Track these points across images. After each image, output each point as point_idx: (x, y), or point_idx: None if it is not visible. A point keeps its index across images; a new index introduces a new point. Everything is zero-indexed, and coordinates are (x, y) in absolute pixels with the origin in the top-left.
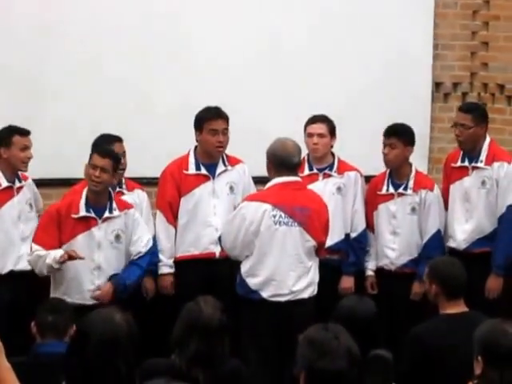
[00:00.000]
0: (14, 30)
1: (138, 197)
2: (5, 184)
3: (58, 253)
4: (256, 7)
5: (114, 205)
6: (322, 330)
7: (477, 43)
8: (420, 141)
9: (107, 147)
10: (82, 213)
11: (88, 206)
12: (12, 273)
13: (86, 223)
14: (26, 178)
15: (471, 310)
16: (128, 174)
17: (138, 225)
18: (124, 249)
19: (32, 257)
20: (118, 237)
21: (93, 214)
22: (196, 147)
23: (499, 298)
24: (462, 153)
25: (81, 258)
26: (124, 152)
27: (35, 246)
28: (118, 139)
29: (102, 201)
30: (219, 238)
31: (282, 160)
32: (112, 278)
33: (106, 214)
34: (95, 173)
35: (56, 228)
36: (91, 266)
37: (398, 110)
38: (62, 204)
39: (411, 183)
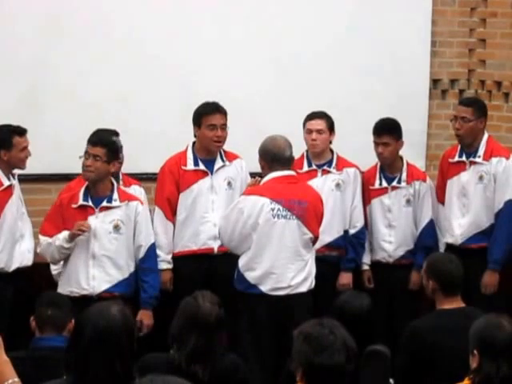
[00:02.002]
0: (16, 24)
1: (134, 192)
2: (6, 183)
3: (65, 233)
4: (258, 6)
5: (116, 196)
6: (317, 326)
7: (474, 40)
8: (417, 137)
9: (102, 137)
10: (80, 202)
11: (86, 196)
12: (17, 270)
13: (84, 212)
14: (14, 176)
15: (468, 305)
16: (128, 169)
17: (143, 219)
18: (125, 240)
19: (42, 247)
20: (117, 227)
21: (90, 203)
22: (194, 143)
23: (496, 293)
24: (459, 148)
25: (86, 229)
26: (121, 146)
27: (43, 237)
28: (115, 133)
29: (103, 191)
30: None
31: (274, 155)
32: (144, 301)
33: (104, 204)
34: (87, 162)
35: (60, 218)
36: (86, 255)
37: (395, 106)
38: (65, 195)
39: (404, 176)
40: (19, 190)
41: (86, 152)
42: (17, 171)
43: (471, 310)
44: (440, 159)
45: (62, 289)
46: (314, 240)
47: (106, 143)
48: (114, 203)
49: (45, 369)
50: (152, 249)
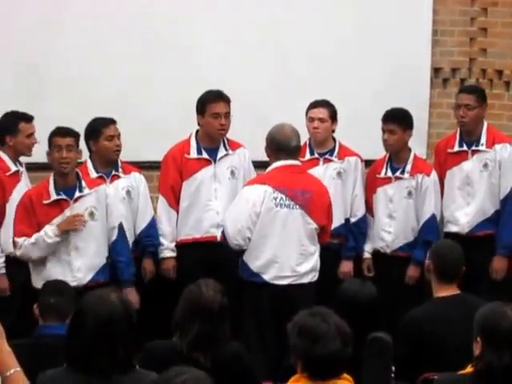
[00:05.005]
0: (16, 17)
1: (134, 180)
2: (14, 169)
3: (50, 229)
4: None
5: (84, 183)
6: (309, 316)
7: (475, 29)
8: (418, 126)
9: (64, 127)
10: (53, 197)
11: (57, 190)
12: None
13: (58, 206)
14: (22, 164)
15: (476, 293)
16: (129, 157)
17: (112, 201)
18: (100, 225)
19: (23, 249)
20: (91, 214)
21: (64, 196)
22: (197, 131)
23: (505, 279)
24: (458, 138)
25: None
26: (119, 134)
27: (19, 239)
28: (112, 121)
29: (71, 182)
30: (222, 232)
31: (279, 144)
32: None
33: (77, 194)
34: (62, 154)
35: (31, 215)
36: (68, 248)
37: (397, 95)
38: (32, 191)
39: (409, 167)
40: (27, 179)
41: (57, 145)
42: (24, 160)
43: (468, 296)
44: (435, 150)
45: (39, 284)
46: (323, 230)
47: (72, 132)
48: (84, 191)
49: (48, 356)
50: (121, 228)
